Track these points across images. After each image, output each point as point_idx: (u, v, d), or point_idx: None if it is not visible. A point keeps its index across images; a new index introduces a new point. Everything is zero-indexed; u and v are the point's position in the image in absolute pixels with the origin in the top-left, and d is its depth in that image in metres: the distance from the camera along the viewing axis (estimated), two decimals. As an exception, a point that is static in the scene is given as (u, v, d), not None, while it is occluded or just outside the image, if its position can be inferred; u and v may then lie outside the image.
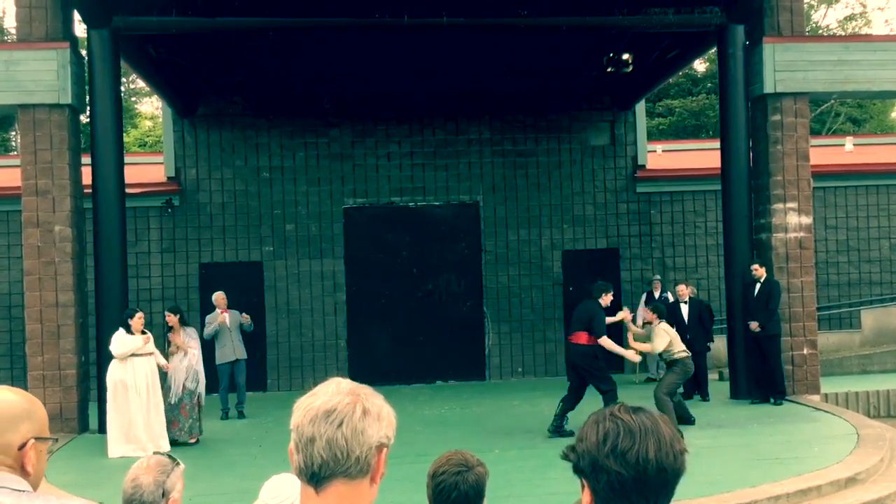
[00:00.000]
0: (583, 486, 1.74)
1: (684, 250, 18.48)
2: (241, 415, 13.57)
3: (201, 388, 11.81)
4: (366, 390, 1.81)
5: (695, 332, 14.02)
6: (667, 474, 1.68)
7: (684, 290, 14.46)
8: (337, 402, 1.76)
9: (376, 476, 1.79)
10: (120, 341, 10.98)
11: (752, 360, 13.29)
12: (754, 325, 12.95)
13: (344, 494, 1.74)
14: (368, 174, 17.80)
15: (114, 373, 11.03)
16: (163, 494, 3.13)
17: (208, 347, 14.53)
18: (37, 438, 1.99)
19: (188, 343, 11.74)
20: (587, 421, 1.75)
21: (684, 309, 14.28)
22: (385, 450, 1.79)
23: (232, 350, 13.66)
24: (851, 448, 9.84)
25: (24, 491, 1.92)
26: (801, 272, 13.57)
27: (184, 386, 11.63)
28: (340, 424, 1.73)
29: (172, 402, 11.51)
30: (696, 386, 13.99)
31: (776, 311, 13.10)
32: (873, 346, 18.39)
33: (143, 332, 11.15)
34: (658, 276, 16.96)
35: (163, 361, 11.33)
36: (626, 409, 1.74)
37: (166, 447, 10.74)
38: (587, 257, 18.10)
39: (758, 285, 13.08)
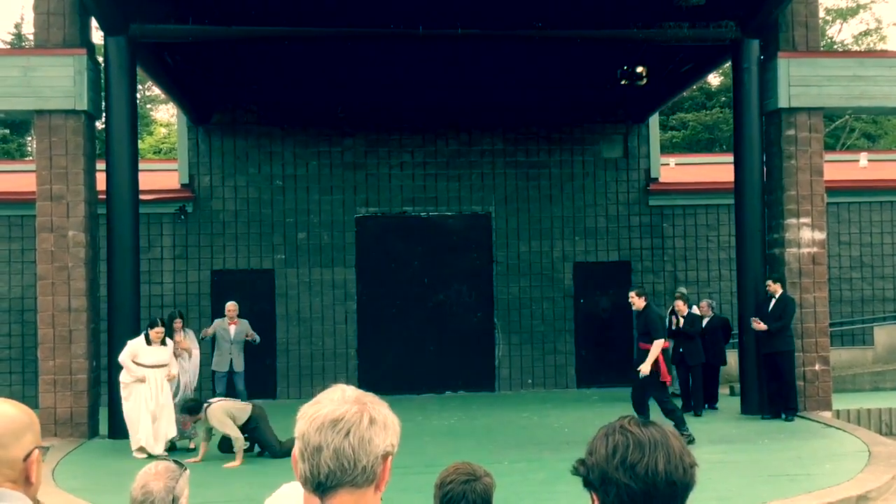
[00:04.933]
0: (592, 501, 1.74)
1: (696, 264, 18.43)
2: None
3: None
4: (371, 398, 1.81)
5: (688, 347, 14.05)
6: (676, 488, 1.67)
7: (682, 307, 14.40)
8: (344, 411, 1.75)
9: (381, 484, 1.79)
10: (130, 353, 11.21)
11: (763, 376, 13.22)
12: (759, 325, 12.86)
13: (349, 503, 1.74)
14: (381, 184, 17.83)
15: (124, 375, 11.31)
16: (173, 500, 3.14)
17: (209, 351, 14.63)
18: (37, 448, 1.99)
19: (191, 345, 12.03)
20: (597, 434, 1.75)
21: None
22: (390, 458, 1.79)
23: (228, 361, 13.72)
24: (863, 465, 9.77)
25: None
26: (814, 288, 13.51)
27: (190, 386, 11.83)
28: (347, 434, 1.73)
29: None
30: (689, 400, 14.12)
31: (789, 326, 13.03)
32: (886, 363, 18.28)
33: (163, 343, 11.31)
34: (682, 289, 16.23)
35: (174, 371, 11.45)
36: (635, 423, 1.73)
37: (160, 451, 10.86)
38: (599, 270, 18.07)
39: (772, 301, 13.01)
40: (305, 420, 1.77)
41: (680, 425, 10.92)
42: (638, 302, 11.37)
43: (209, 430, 10.65)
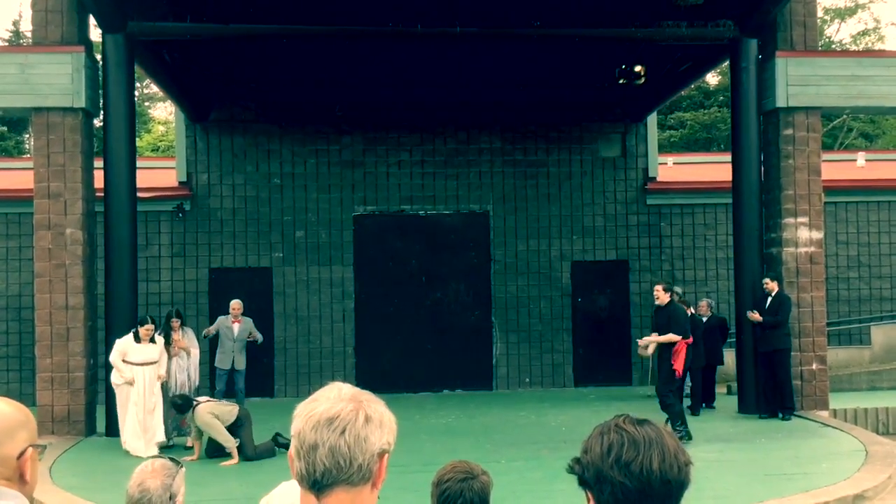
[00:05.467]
0: (588, 499, 1.74)
1: (694, 263, 18.44)
2: None
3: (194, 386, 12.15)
4: (367, 396, 1.81)
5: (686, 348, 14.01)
6: (671, 486, 1.68)
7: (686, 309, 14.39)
8: (339, 409, 1.75)
9: (377, 482, 1.79)
10: (119, 351, 11.25)
11: (760, 375, 13.24)
12: (755, 316, 12.91)
13: (345, 501, 1.75)
14: (379, 182, 17.83)
15: (115, 374, 11.38)
16: (170, 498, 3.14)
17: (209, 349, 14.61)
18: (32, 446, 1.98)
19: (189, 344, 12.02)
20: (592, 433, 1.76)
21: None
22: (386, 456, 1.79)
23: (230, 359, 13.70)
24: (860, 465, 9.79)
25: None
26: (812, 287, 13.53)
27: (187, 385, 11.83)
28: (343, 432, 1.73)
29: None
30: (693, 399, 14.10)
31: (785, 324, 13.06)
32: (883, 362, 18.29)
33: (152, 341, 11.29)
34: (678, 289, 16.26)
35: (162, 372, 11.41)
36: (630, 421, 1.74)
37: (154, 451, 10.85)
38: (596, 268, 18.08)
39: (769, 299, 13.05)
40: (301, 418, 1.77)
41: (675, 421, 10.93)
42: (663, 297, 11.35)
43: (199, 429, 10.65)
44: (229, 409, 10.74)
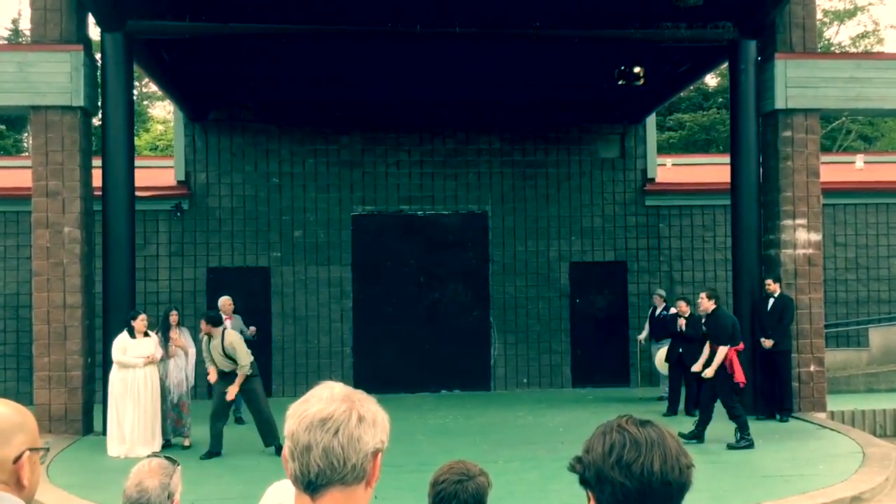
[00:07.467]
0: (588, 498, 1.74)
1: (692, 264, 18.44)
2: (239, 420, 13.51)
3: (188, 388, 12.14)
4: (359, 395, 1.81)
5: (688, 349, 13.95)
6: (671, 488, 1.67)
7: (684, 307, 14.34)
8: (332, 410, 1.75)
9: (371, 481, 1.79)
10: (119, 348, 11.15)
11: (758, 377, 13.24)
12: (768, 343, 12.91)
13: (340, 501, 1.75)
14: (378, 182, 17.82)
15: (114, 373, 11.30)
16: (168, 497, 3.13)
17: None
18: (30, 449, 1.93)
19: (186, 343, 12.00)
20: (595, 432, 1.75)
21: (682, 323, 14.25)
22: (380, 455, 1.79)
23: None
24: (857, 467, 9.80)
25: None
26: (810, 289, 13.53)
27: (184, 384, 11.83)
28: (336, 432, 1.73)
29: (175, 402, 11.63)
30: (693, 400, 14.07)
31: (789, 326, 13.08)
32: (880, 364, 18.31)
33: (146, 335, 11.27)
34: (661, 291, 16.43)
35: (158, 355, 11.33)
36: (633, 422, 1.73)
37: (157, 449, 10.83)
38: (595, 269, 18.08)
39: (771, 300, 13.06)
40: (294, 419, 1.77)
41: (743, 430, 10.93)
42: (706, 304, 11.32)
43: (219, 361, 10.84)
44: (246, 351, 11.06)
